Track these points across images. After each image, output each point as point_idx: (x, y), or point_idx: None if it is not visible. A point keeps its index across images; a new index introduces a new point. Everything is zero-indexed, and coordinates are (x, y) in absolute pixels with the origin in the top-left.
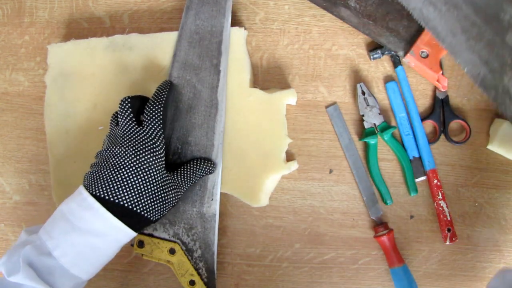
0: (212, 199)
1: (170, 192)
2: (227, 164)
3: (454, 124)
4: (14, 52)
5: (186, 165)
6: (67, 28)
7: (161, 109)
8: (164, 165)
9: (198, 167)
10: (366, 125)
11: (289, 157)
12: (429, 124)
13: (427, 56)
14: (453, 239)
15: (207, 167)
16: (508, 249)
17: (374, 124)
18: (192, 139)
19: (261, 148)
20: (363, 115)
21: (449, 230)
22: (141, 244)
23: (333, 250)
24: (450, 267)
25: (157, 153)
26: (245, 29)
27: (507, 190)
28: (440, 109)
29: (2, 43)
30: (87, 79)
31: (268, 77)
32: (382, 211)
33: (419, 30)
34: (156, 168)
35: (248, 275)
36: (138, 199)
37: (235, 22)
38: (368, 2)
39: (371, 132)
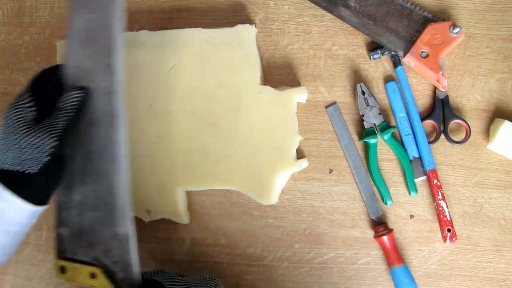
0: (124, 219)
1: (32, 136)
2: (237, 161)
3: (454, 124)
4: (14, 52)
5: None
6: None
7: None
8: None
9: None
10: (366, 125)
11: (299, 154)
12: (429, 124)
13: (427, 56)
14: (453, 239)
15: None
16: (508, 249)
17: (374, 124)
18: (94, 154)
19: (272, 145)
20: (363, 115)
21: (449, 230)
22: (63, 270)
23: (333, 250)
24: (450, 267)
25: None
26: (255, 26)
27: (507, 190)
28: (440, 109)
29: (2, 43)
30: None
31: (268, 77)
32: (382, 211)
33: (419, 30)
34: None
35: (248, 275)
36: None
37: (235, 22)
38: (368, 2)
39: (371, 132)
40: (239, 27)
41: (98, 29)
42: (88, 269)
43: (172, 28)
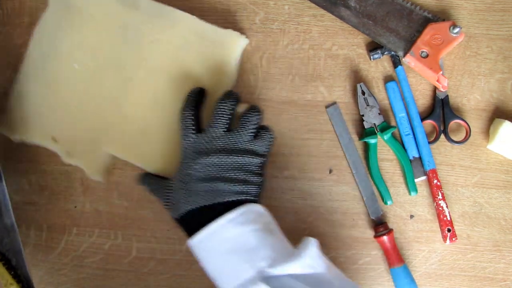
0: (7, 209)
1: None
2: (171, 148)
3: (454, 124)
4: (14, 52)
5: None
6: None
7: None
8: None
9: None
10: (366, 125)
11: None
12: (429, 124)
13: (427, 56)
14: (453, 239)
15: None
16: (508, 249)
17: (374, 124)
18: None
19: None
20: (363, 115)
21: (449, 230)
22: None
23: (333, 250)
24: (450, 267)
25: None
26: (246, 37)
27: (507, 190)
28: (440, 109)
29: (2, 43)
30: (87, 18)
31: (268, 77)
32: (382, 211)
33: (419, 30)
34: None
35: None
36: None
37: (235, 22)
38: (368, 2)
39: (371, 132)
40: (230, 32)
41: None
42: None
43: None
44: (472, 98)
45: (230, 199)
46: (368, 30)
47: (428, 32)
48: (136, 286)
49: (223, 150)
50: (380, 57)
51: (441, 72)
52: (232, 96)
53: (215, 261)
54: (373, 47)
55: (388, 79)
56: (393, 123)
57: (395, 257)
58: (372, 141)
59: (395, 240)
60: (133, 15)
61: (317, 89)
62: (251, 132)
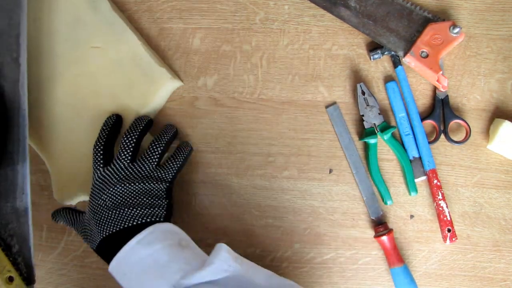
0: (23, 193)
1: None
2: (76, 152)
3: (454, 124)
4: None
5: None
6: None
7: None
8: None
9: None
10: (366, 125)
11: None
12: (429, 124)
13: (427, 56)
14: (453, 239)
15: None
16: (508, 249)
17: (374, 124)
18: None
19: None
20: (363, 115)
21: (449, 230)
22: None
23: (333, 250)
24: (450, 267)
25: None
26: (181, 80)
27: (507, 190)
28: (440, 109)
29: None
30: (45, 4)
31: (268, 77)
32: (382, 211)
33: (419, 30)
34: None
35: None
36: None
37: (235, 22)
38: (368, 2)
39: (371, 132)
40: (164, 72)
41: (6, 27)
42: None
43: (172, 28)
44: (472, 98)
45: (137, 222)
46: (368, 30)
47: (428, 32)
48: None
49: (128, 179)
50: (380, 57)
51: (441, 72)
52: (138, 127)
53: (133, 283)
54: (373, 47)
55: (388, 79)
56: (393, 123)
57: (395, 257)
58: (372, 141)
59: (395, 240)
60: (89, 14)
61: (317, 89)
62: (155, 161)
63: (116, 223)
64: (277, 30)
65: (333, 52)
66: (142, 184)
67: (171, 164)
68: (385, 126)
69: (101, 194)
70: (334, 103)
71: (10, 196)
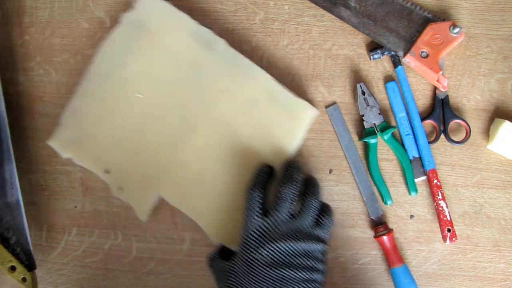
0: (13, 188)
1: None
2: (221, 205)
3: (454, 124)
4: (14, 52)
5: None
6: (67, 28)
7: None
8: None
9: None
10: (366, 125)
11: None
12: (429, 124)
13: (427, 56)
14: (453, 239)
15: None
16: (508, 249)
17: (374, 124)
18: None
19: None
20: (363, 115)
21: (449, 230)
22: None
23: (333, 250)
24: (450, 267)
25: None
26: (316, 108)
27: (507, 190)
28: (440, 109)
29: (2, 43)
30: (158, 46)
31: None
32: (382, 211)
33: (419, 30)
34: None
35: None
36: None
37: (235, 22)
38: (368, 2)
39: (371, 132)
40: (303, 103)
41: None
42: None
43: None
44: (472, 98)
45: (298, 287)
46: (368, 30)
47: (428, 32)
48: (136, 286)
49: (289, 235)
50: (380, 57)
51: (441, 72)
52: (295, 177)
53: None
54: (373, 47)
55: (388, 79)
56: (393, 123)
57: (395, 257)
58: (372, 141)
59: (395, 240)
60: (207, 56)
61: (317, 89)
62: (313, 218)
63: (276, 284)
64: (277, 30)
65: (333, 52)
66: (304, 243)
67: (327, 222)
68: (385, 126)
69: (259, 247)
70: (334, 103)
71: (0, 193)
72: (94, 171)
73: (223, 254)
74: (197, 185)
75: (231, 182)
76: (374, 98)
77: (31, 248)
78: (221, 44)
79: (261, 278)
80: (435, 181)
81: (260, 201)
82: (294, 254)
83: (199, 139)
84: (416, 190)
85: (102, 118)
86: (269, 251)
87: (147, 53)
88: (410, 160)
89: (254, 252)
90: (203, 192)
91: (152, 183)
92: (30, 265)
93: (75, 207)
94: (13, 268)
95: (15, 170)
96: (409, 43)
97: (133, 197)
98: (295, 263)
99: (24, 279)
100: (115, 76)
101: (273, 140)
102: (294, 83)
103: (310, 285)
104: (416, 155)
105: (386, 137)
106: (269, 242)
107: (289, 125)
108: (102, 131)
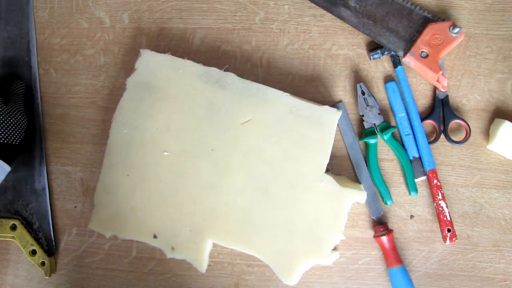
0: (41, 175)
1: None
2: (275, 235)
3: (454, 124)
4: None
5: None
6: (67, 28)
7: None
8: None
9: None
10: (366, 125)
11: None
12: (429, 124)
13: (427, 56)
14: (453, 239)
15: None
16: (508, 249)
17: (374, 124)
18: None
19: (313, 233)
20: (363, 115)
21: (449, 230)
22: None
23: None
24: (450, 267)
25: None
26: (337, 109)
27: (507, 190)
28: (440, 109)
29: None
30: (169, 99)
31: (268, 77)
32: (382, 211)
33: (419, 30)
34: None
35: (248, 275)
36: None
37: (235, 22)
38: (368, 2)
39: (371, 132)
40: (326, 109)
41: (17, 37)
42: (10, 221)
43: (172, 29)
44: (472, 98)
45: None
46: (368, 30)
47: (428, 32)
48: (136, 286)
49: None
50: (380, 57)
51: (441, 72)
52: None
53: None
54: (373, 47)
55: (388, 79)
56: (393, 123)
57: (394, 258)
58: (372, 141)
59: (394, 241)
60: (219, 94)
61: (317, 89)
62: None
63: None
64: (277, 30)
65: (333, 52)
66: None
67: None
68: (385, 126)
69: None
70: (340, 101)
71: (29, 180)
72: (143, 241)
73: None
74: (245, 220)
75: (278, 208)
76: (374, 98)
77: (52, 234)
78: (230, 78)
79: None
80: (435, 181)
81: None
82: None
83: (235, 175)
84: (416, 190)
85: (134, 187)
86: None
87: (161, 110)
88: (410, 160)
89: None
90: (253, 225)
91: (202, 233)
92: (49, 251)
93: (75, 207)
94: (33, 252)
95: (44, 159)
96: (409, 43)
97: (187, 253)
98: None
99: (43, 263)
100: (136, 141)
101: (307, 154)
102: (294, 83)
103: None
104: (416, 155)
105: (386, 137)
106: None
107: (319, 134)
108: (139, 199)
